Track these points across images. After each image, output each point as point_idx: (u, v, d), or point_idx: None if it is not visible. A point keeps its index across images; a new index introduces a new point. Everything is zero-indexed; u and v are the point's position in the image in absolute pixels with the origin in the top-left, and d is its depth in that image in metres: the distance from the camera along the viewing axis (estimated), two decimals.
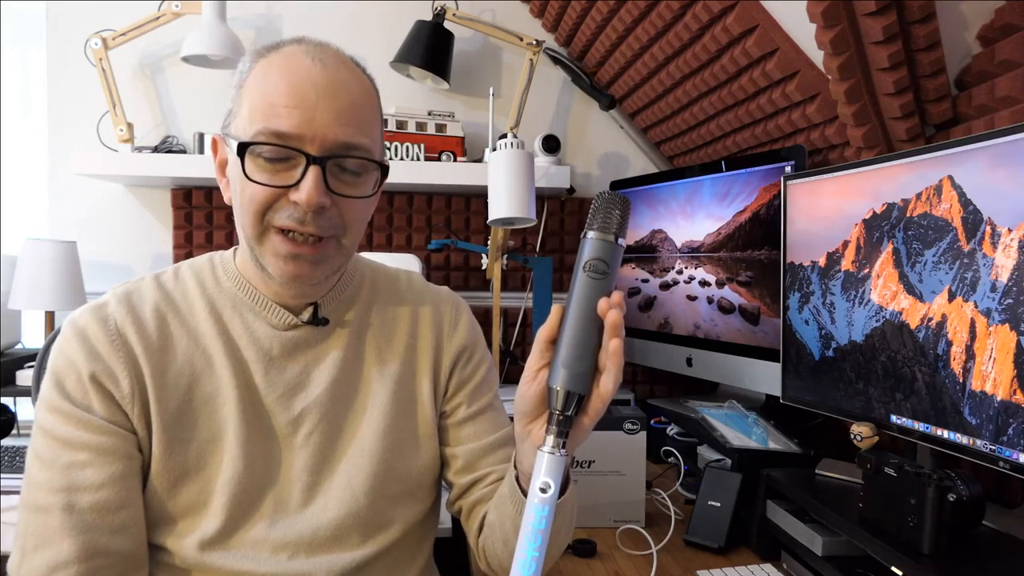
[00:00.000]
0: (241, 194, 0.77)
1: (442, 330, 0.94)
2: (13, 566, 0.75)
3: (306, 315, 0.85)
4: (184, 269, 0.88)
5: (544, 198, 2.05)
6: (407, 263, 1.70)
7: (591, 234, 0.68)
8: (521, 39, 1.90)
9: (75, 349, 0.78)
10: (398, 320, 0.92)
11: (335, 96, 0.76)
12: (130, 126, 1.83)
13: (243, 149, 0.74)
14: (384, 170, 0.82)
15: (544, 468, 0.65)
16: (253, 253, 0.80)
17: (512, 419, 0.77)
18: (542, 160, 1.89)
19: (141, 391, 0.79)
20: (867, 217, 1.13)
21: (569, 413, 0.66)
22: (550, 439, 0.66)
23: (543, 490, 0.64)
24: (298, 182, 0.75)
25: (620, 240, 0.68)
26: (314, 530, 0.82)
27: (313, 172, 0.74)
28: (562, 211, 2.10)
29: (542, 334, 0.69)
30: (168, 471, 0.79)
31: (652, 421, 1.76)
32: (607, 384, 0.67)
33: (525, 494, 0.75)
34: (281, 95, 0.74)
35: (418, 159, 1.85)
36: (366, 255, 1.03)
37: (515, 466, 0.78)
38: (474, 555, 0.92)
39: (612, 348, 0.66)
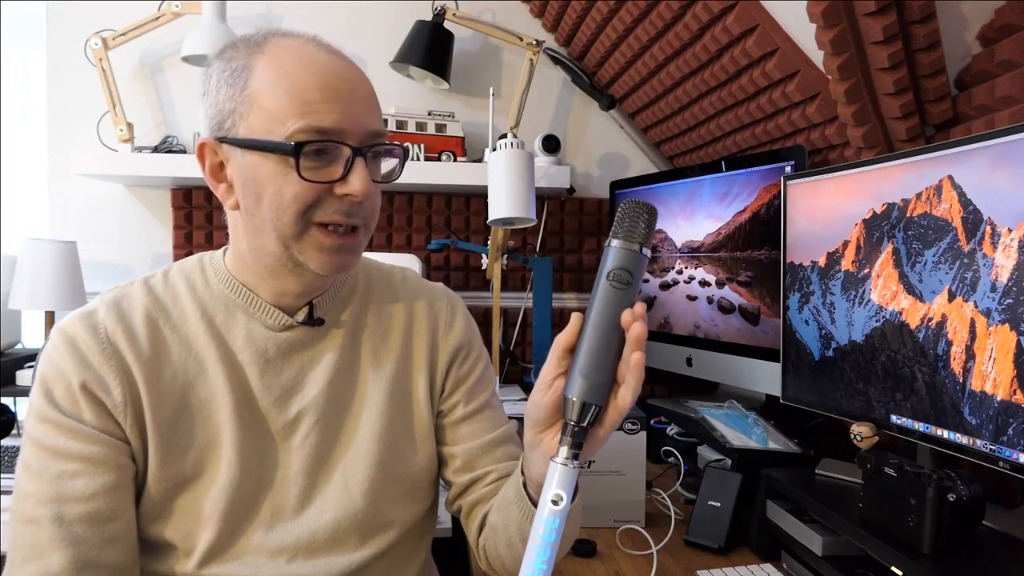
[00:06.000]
0: (277, 195, 0.74)
1: (438, 328, 0.93)
2: None
3: (301, 315, 0.84)
4: (173, 272, 0.86)
5: (544, 198, 2.05)
6: (407, 263, 1.70)
7: (615, 243, 0.66)
8: (521, 39, 1.90)
9: (64, 358, 0.76)
10: (393, 318, 0.91)
11: (359, 87, 0.77)
12: (130, 126, 1.83)
13: (299, 149, 0.73)
14: (406, 153, 0.82)
15: (556, 480, 0.63)
16: (288, 252, 0.77)
17: (510, 415, 0.76)
18: (542, 160, 1.89)
19: (134, 400, 0.77)
20: (867, 217, 1.12)
21: (584, 424, 0.65)
22: (563, 450, 0.64)
23: (555, 502, 0.63)
24: (344, 176, 0.75)
25: (645, 250, 0.66)
26: (312, 533, 0.81)
27: (360, 164, 0.75)
28: (562, 211, 2.10)
29: (560, 342, 0.68)
30: (167, 479, 0.78)
31: (652, 421, 1.76)
32: (626, 397, 0.66)
33: (532, 501, 0.75)
34: (314, 90, 0.74)
35: (418, 159, 1.85)
36: (363, 254, 1.02)
37: (522, 471, 0.77)
38: (474, 554, 0.91)
39: (634, 361, 0.65)
